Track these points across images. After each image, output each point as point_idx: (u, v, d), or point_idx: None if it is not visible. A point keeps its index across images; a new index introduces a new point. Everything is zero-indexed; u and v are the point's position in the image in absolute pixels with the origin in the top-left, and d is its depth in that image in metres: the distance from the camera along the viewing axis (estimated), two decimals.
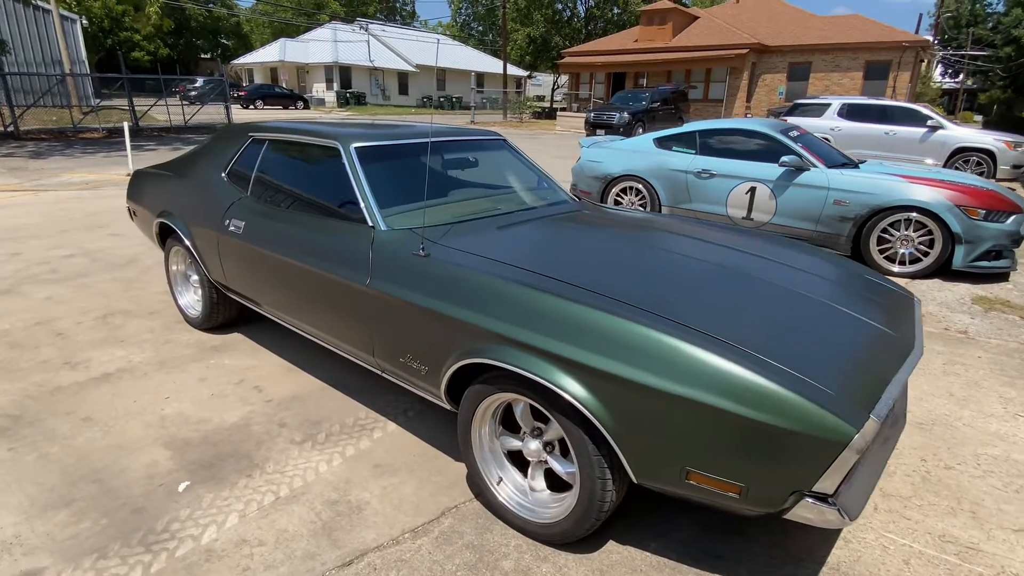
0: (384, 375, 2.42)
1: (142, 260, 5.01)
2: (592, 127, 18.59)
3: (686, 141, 6.30)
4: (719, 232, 2.77)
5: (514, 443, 2.03)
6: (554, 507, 1.91)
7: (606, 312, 1.67)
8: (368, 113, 30.71)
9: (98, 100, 18.66)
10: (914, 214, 4.98)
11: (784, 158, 5.47)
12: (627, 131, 17.80)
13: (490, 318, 1.85)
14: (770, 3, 26.81)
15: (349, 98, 34.24)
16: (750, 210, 5.82)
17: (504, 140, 3.35)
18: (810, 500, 1.47)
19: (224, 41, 43.91)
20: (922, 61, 22.70)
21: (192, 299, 3.67)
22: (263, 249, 2.72)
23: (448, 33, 50.83)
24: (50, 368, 3.08)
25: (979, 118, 36.38)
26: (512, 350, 1.79)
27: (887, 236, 5.15)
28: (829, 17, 24.70)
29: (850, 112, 11.81)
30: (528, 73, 39.80)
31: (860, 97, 13.64)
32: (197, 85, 24.97)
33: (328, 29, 38.20)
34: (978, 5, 48.57)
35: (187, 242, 3.26)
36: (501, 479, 2.05)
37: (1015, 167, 10.40)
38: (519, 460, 2.08)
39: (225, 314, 3.49)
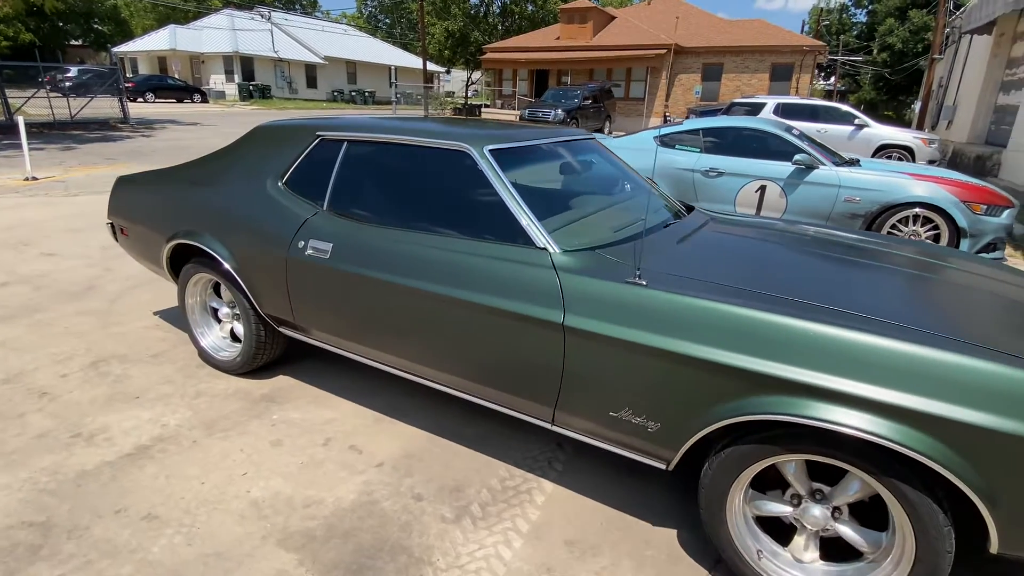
0: (557, 428, 1.99)
1: (102, 285, 4.09)
2: (527, 123, 18.42)
3: (689, 139, 6.20)
4: (862, 237, 2.58)
5: (778, 509, 1.69)
6: None
7: (955, 352, 1.38)
8: (275, 108, 28.61)
9: None
10: (921, 210, 5.16)
11: (797, 156, 5.51)
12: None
13: (783, 364, 1.49)
14: (680, 6, 27.96)
15: (253, 91, 31.72)
16: (759, 208, 5.81)
17: (596, 139, 2.97)
18: None
19: (98, 27, 39.08)
20: (819, 65, 24.67)
21: (219, 338, 2.97)
22: (378, 277, 2.16)
23: (354, 25, 48.66)
24: (55, 445, 2.31)
25: None
26: (821, 403, 1.45)
27: (895, 232, 5.31)
28: (736, 21, 26.19)
29: (785, 111, 12.43)
30: (446, 69, 38.96)
31: (793, 97, 14.46)
32: (71, 75, 21.91)
33: (224, 16, 35.14)
34: (845, 15, 53.95)
35: (227, 267, 2.59)
36: (760, 552, 1.71)
37: (930, 162, 11.43)
38: (763, 523, 1.75)
39: (271, 354, 2.84)
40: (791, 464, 1.63)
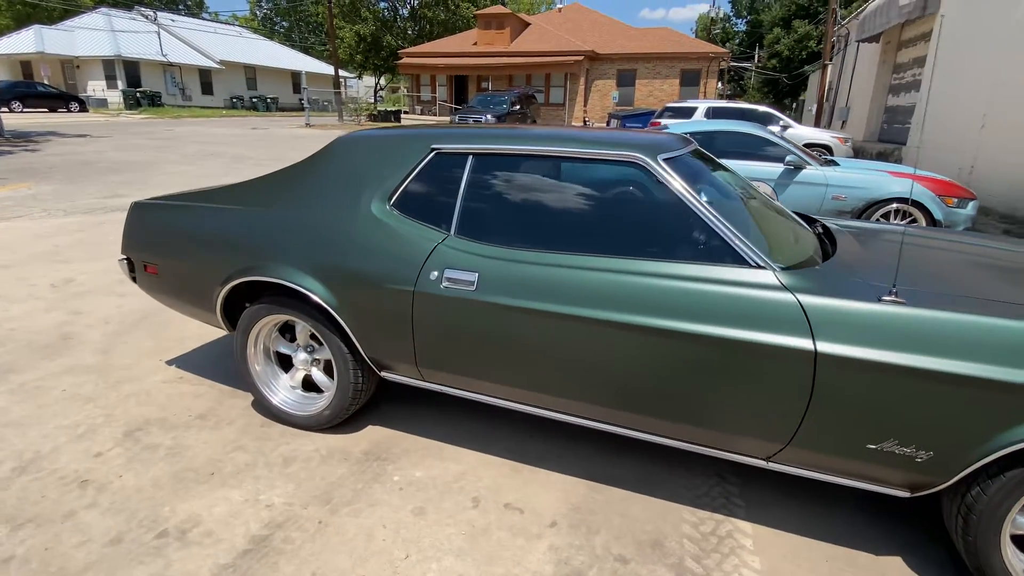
0: (772, 465, 1.81)
1: (79, 333, 3.39)
2: None
3: None
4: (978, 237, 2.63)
5: None
6: None
7: None
8: (169, 116, 26.20)
9: None
10: (900, 205, 5.53)
11: (789, 158, 5.71)
12: None
13: None
14: (589, 14, 28.88)
15: (140, 98, 28.86)
16: None
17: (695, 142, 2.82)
18: None
19: None
20: (722, 71, 26.37)
21: (290, 390, 2.50)
22: (548, 308, 1.87)
23: (248, 27, 45.74)
24: (142, 551, 1.80)
25: None
26: None
27: None
28: (645, 29, 27.40)
29: (715, 114, 13.10)
30: (357, 74, 37.54)
31: (720, 101, 15.23)
32: None
33: (100, 16, 31.69)
34: (727, 25, 58.38)
35: (321, 304, 2.18)
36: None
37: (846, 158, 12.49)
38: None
39: (363, 402, 2.43)
40: None
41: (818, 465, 1.76)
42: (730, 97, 56.91)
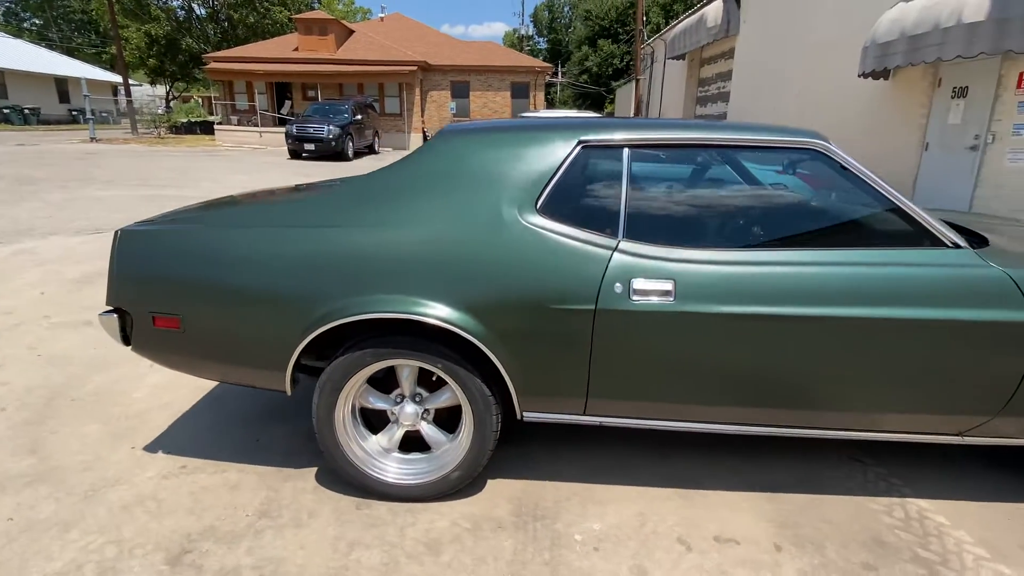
0: (967, 439, 1.87)
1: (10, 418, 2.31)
2: (297, 141, 16.58)
3: None
4: None
5: None
6: None
7: None
8: None
9: None
10: None
11: None
12: (339, 145, 16.65)
13: None
14: (412, 25, 28.69)
15: None
16: None
17: None
18: None
19: None
20: (548, 84, 28.04)
21: (385, 456, 1.95)
22: (777, 311, 1.69)
23: None
24: None
25: None
26: None
27: None
28: (471, 42, 28.01)
29: None
30: (149, 80, 32.28)
31: (570, 111, 16.09)
32: None
33: None
34: (532, 44, 62.67)
35: (467, 336, 1.71)
36: None
37: None
38: None
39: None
40: None
41: (1016, 432, 1.84)
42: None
